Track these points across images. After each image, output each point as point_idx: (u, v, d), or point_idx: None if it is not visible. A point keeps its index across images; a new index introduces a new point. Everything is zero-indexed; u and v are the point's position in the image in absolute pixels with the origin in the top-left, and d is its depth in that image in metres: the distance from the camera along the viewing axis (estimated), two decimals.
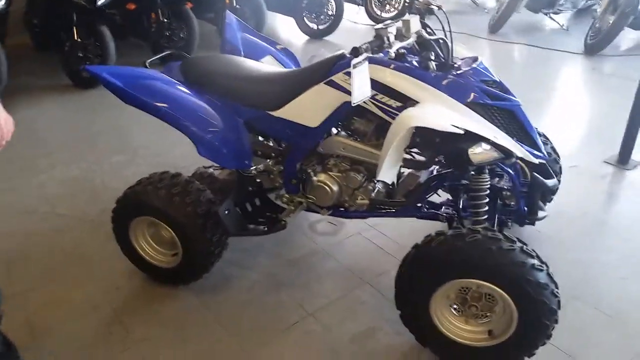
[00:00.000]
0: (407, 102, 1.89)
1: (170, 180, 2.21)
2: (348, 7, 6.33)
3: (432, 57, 1.91)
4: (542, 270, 1.66)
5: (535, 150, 1.93)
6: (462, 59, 1.98)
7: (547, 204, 2.56)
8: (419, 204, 2.23)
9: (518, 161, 2.14)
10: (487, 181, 2.00)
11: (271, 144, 2.35)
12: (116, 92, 2.03)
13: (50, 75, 5.17)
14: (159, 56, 2.43)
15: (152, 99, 2.05)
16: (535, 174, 2.06)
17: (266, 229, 2.24)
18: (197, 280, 2.33)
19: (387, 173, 1.90)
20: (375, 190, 2.21)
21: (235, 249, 2.52)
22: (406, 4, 6.12)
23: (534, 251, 1.71)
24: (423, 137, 1.90)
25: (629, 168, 3.19)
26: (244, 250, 2.55)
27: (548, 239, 2.58)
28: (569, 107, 4.22)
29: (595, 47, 5.27)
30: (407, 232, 2.61)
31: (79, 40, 4.66)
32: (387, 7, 6.54)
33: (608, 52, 5.29)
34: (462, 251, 1.69)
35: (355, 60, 1.66)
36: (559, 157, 2.48)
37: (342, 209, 2.27)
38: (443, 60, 1.91)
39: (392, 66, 1.93)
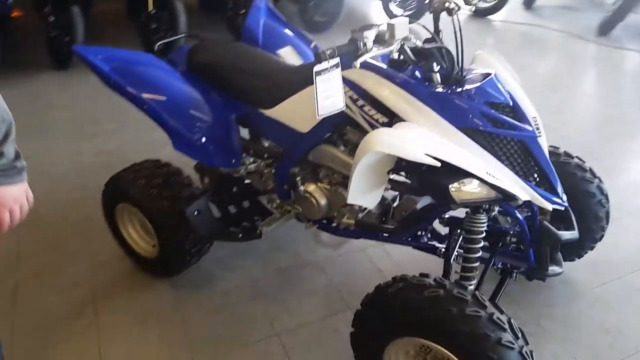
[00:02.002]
0: (394, 118, 1.62)
1: (154, 170, 2.11)
2: None
3: (436, 69, 1.61)
4: (512, 348, 1.33)
5: (551, 193, 1.57)
6: (472, 74, 1.65)
7: (578, 257, 2.15)
8: (417, 233, 1.94)
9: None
10: (482, 223, 1.67)
11: (266, 144, 2.17)
12: (101, 77, 1.95)
13: (130, 44, 5.33)
14: (170, 39, 2.33)
15: (137, 89, 1.94)
16: (545, 222, 1.68)
17: (241, 236, 2.07)
18: (178, 275, 2.25)
19: (362, 197, 1.65)
20: (366, 212, 1.96)
21: (227, 246, 2.40)
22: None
23: (510, 322, 1.38)
24: (408, 162, 1.61)
25: None
26: (235, 250, 2.41)
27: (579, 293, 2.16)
28: None
29: None
30: (416, 256, 2.29)
31: (153, 11, 4.74)
32: None
33: None
34: (417, 306, 1.41)
35: (317, 67, 1.42)
36: (607, 200, 2.03)
37: (332, 224, 2.05)
38: (445, 72, 1.60)
39: (383, 74, 1.65)
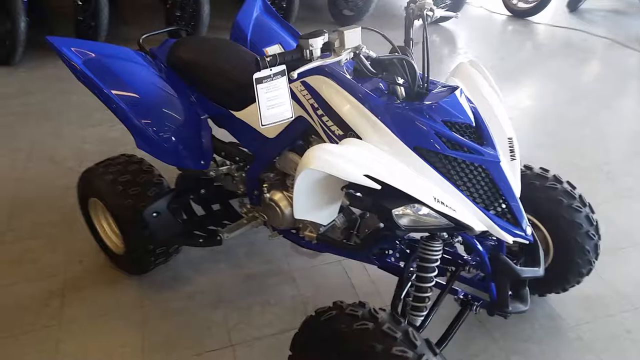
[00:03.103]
0: (349, 132, 1.51)
1: (125, 166, 2.08)
2: None
3: (400, 81, 1.49)
4: None
5: (513, 225, 1.43)
6: (438, 89, 1.52)
7: (562, 291, 1.98)
8: (384, 252, 1.82)
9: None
10: (436, 251, 1.54)
11: (241, 147, 2.09)
12: (73, 70, 1.92)
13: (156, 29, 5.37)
14: (154, 32, 2.28)
15: (107, 85, 1.89)
16: (504, 256, 1.53)
17: (201, 241, 2.01)
18: (145, 273, 2.23)
19: (312, 212, 1.55)
20: (329, 225, 1.86)
21: (204, 248, 2.35)
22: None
23: None
24: None
25: None
26: (211, 252, 2.36)
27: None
28: None
29: None
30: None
31: None
32: None
33: None
34: (344, 338, 1.31)
35: (257, 75, 1.33)
36: (596, 232, 1.85)
37: (297, 235, 1.96)
38: (407, 85, 1.47)
39: (343, 84, 1.55)
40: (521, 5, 5.71)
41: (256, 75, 1.33)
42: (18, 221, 2.61)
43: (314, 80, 1.62)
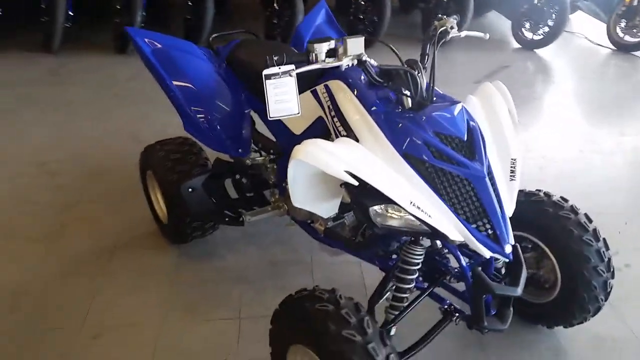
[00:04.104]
0: (350, 133, 1.63)
1: (178, 146, 2.35)
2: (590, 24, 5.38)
3: (405, 92, 1.59)
4: None
5: (492, 241, 1.47)
6: (441, 102, 1.59)
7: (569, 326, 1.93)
8: (388, 255, 1.91)
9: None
10: (417, 255, 1.61)
11: (274, 139, 2.28)
12: (142, 58, 2.22)
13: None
14: (224, 33, 2.55)
15: (169, 74, 2.15)
16: (479, 270, 1.56)
17: (227, 220, 2.22)
18: (184, 244, 2.49)
19: (311, 203, 1.68)
20: (339, 221, 1.98)
21: (240, 231, 2.58)
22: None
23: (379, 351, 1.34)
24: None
25: None
26: (245, 235, 2.58)
27: None
28: None
29: None
30: None
31: (276, 7, 5.09)
32: (636, 30, 5.31)
33: None
34: (306, 316, 1.43)
35: (266, 71, 1.50)
36: (607, 269, 1.80)
37: (311, 227, 2.10)
38: (407, 95, 1.57)
39: (354, 90, 1.68)
40: (628, 39, 5.39)
41: (265, 71, 1.51)
42: (94, 186, 3.02)
43: (333, 84, 1.77)
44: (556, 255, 1.86)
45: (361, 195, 1.48)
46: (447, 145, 1.48)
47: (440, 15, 1.81)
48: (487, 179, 1.48)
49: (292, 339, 1.52)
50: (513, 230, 1.91)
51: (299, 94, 1.98)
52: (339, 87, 1.74)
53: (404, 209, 1.43)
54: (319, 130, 1.89)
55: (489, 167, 1.53)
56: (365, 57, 1.52)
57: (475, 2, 6.35)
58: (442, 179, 1.47)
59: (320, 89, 1.85)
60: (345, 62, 1.51)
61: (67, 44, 5.23)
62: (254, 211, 2.23)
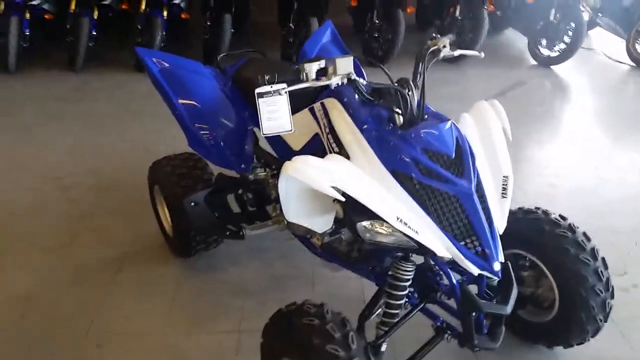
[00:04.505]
0: (342, 150, 1.66)
1: (184, 161, 2.42)
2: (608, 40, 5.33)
3: (397, 110, 1.62)
4: None
5: (480, 258, 1.47)
6: (431, 119, 1.61)
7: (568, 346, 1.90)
8: (385, 271, 1.92)
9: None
10: (406, 271, 1.62)
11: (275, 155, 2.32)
12: (150, 76, 2.29)
13: (274, 52, 5.84)
14: (231, 53, 2.62)
15: (175, 92, 2.22)
16: (466, 287, 1.55)
17: (228, 234, 2.26)
18: (189, 257, 2.54)
19: (305, 218, 1.70)
20: (337, 236, 2.00)
21: (243, 245, 2.62)
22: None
23: None
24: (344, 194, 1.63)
25: None
26: (249, 249, 2.62)
27: None
28: None
29: None
30: None
31: (292, 27, 5.19)
32: None
33: None
34: (293, 330, 1.46)
35: (258, 90, 1.55)
36: (606, 289, 1.78)
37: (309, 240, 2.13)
38: (399, 113, 1.59)
39: (347, 108, 1.71)
40: None
41: (257, 90, 1.55)
42: (105, 197, 3.11)
43: (328, 102, 1.81)
44: (553, 274, 1.84)
45: (350, 211, 1.51)
46: (435, 162, 1.50)
47: (434, 35, 1.84)
48: (475, 196, 1.48)
49: (281, 353, 1.54)
50: (510, 248, 1.93)
51: (299, 111, 2.05)
52: (333, 105, 1.78)
53: (390, 224, 1.45)
54: (316, 146, 1.92)
55: (478, 184, 1.54)
56: (354, 76, 1.55)
57: (492, 19, 6.38)
58: (429, 196, 1.48)
59: (317, 106, 1.89)
60: (335, 81, 1.54)
61: (91, 62, 5.41)
62: (254, 225, 2.27)
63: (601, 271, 1.78)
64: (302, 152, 2.01)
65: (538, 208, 1.96)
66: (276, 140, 2.16)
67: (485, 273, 1.48)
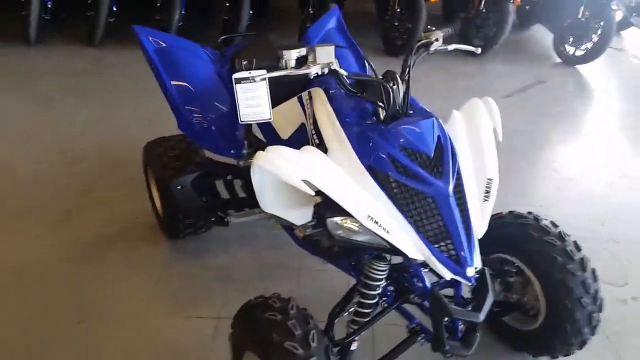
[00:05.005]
0: (322, 142, 1.61)
1: (177, 143, 2.39)
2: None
3: (380, 103, 1.55)
4: None
5: (453, 263, 1.42)
6: (414, 116, 1.54)
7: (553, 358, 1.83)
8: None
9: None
10: (378, 271, 1.57)
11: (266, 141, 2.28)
12: (145, 55, 2.26)
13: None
14: (233, 35, 2.57)
15: (168, 73, 2.19)
16: (438, 291, 1.49)
17: (213, 219, 2.24)
18: (178, 239, 2.53)
19: (282, 210, 1.66)
20: (319, 229, 1.95)
21: (235, 231, 2.59)
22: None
23: None
24: None
25: None
26: (240, 236, 2.60)
27: None
28: None
29: None
30: None
31: (311, 12, 5.11)
32: None
33: None
34: (255, 323, 1.43)
35: (236, 75, 1.50)
36: (593, 302, 1.70)
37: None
38: (382, 107, 1.53)
39: (331, 99, 1.66)
40: None
41: (235, 75, 1.50)
42: (109, 173, 3.13)
43: (315, 92, 1.76)
44: (540, 282, 1.77)
45: (322, 206, 1.46)
46: (413, 161, 1.43)
47: (429, 27, 1.76)
48: (451, 198, 1.42)
49: (245, 346, 1.51)
50: (497, 252, 1.86)
51: (289, 99, 2.00)
52: (318, 95, 1.72)
53: (359, 222, 1.40)
54: (303, 136, 1.87)
55: (459, 186, 1.47)
56: (334, 66, 1.49)
57: (520, 13, 6.18)
58: (405, 195, 1.42)
59: (304, 95, 1.84)
60: (314, 70, 1.48)
61: (110, 38, 5.42)
62: (240, 213, 2.24)
63: (589, 283, 1.70)
64: (289, 141, 1.96)
65: (530, 213, 1.88)
66: (267, 127, 2.12)
67: (458, 278, 1.42)
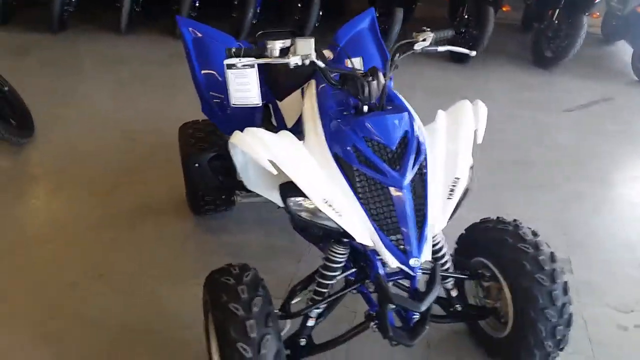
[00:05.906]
0: (303, 130, 1.74)
1: (205, 126, 2.61)
2: None
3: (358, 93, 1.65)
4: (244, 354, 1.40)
5: (400, 252, 1.49)
6: (389, 109, 1.62)
7: None
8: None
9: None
10: (338, 254, 1.66)
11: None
12: (183, 44, 2.49)
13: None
14: (272, 30, 2.74)
15: (199, 62, 2.40)
16: (382, 276, 1.54)
17: (223, 197, 2.41)
18: (200, 215, 2.76)
19: (265, 190, 1.80)
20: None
21: (255, 211, 2.79)
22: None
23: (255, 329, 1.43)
24: None
25: None
26: (258, 217, 2.79)
27: None
28: None
29: None
30: None
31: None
32: None
33: None
34: (215, 286, 1.59)
35: (226, 61, 1.66)
36: (559, 315, 1.67)
37: None
38: (359, 98, 1.62)
39: (317, 88, 1.78)
40: None
41: (226, 61, 1.67)
42: (156, 154, 3.43)
43: (310, 84, 1.90)
44: (510, 289, 1.77)
45: (285, 186, 1.58)
46: (375, 153, 1.52)
47: (424, 28, 1.82)
48: (406, 191, 1.49)
49: (207, 306, 1.67)
50: (476, 256, 1.88)
51: (294, 90, 2.14)
52: (310, 87, 1.85)
53: (314, 204, 1.50)
54: (301, 123, 2.00)
55: (421, 181, 1.53)
56: (313, 59, 1.60)
57: (606, 28, 5.88)
58: (364, 184, 1.51)
59: (305, 86, 1.97)
60: (293, 61, 1.60)
61: None
62: (247, 194, 2.40)
63: (557, 295, 1.68)
64: (293, 128, 2.10)
65: (516, 220, 1.88)
66: (279, 115, 2.27)
67: (403, 267, 1.49)
